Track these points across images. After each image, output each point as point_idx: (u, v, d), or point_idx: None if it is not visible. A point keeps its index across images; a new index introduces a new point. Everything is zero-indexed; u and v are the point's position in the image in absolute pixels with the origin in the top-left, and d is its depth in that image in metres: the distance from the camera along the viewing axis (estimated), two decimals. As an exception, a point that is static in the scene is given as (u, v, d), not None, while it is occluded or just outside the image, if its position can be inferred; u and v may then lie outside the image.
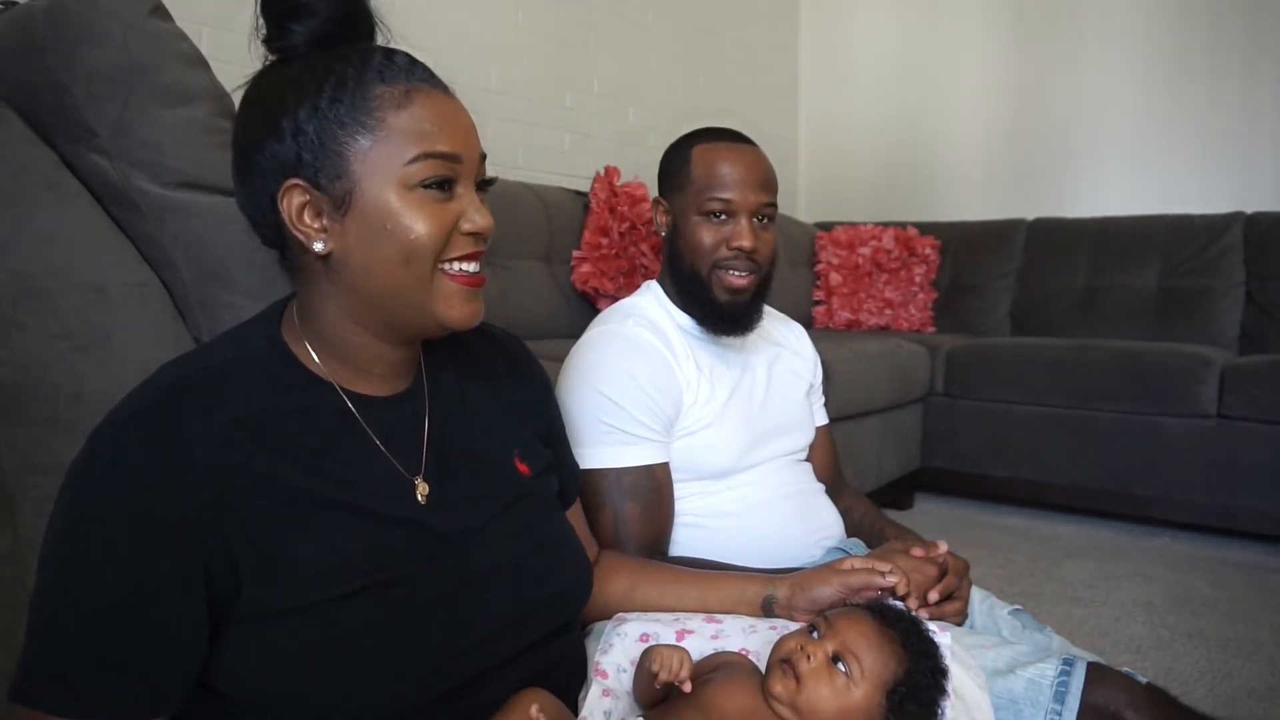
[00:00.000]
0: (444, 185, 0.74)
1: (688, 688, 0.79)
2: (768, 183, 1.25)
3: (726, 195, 1.22)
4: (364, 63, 0.73)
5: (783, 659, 0.81)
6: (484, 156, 0.79)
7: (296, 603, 0.68)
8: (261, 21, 0.75)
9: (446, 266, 0.75)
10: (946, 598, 1.07)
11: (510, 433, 0.90)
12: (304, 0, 0.73)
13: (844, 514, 1.37)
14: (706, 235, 1.24)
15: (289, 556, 0.69)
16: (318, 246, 0.73)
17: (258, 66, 0.78)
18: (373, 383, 0.80)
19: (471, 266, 0.77)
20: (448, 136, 0.73)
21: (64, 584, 0.65)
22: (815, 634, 0.83)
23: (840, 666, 0.80)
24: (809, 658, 0.79)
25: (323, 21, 0.74)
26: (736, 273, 1.23)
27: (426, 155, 0.72)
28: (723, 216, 1.23)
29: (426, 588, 0.75)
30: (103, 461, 0.67)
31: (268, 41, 0.76)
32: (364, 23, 0.78)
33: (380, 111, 0.72)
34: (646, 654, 0.82)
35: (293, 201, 0.73)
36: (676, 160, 1.30)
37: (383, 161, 0.72)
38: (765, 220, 1.25)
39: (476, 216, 0.76)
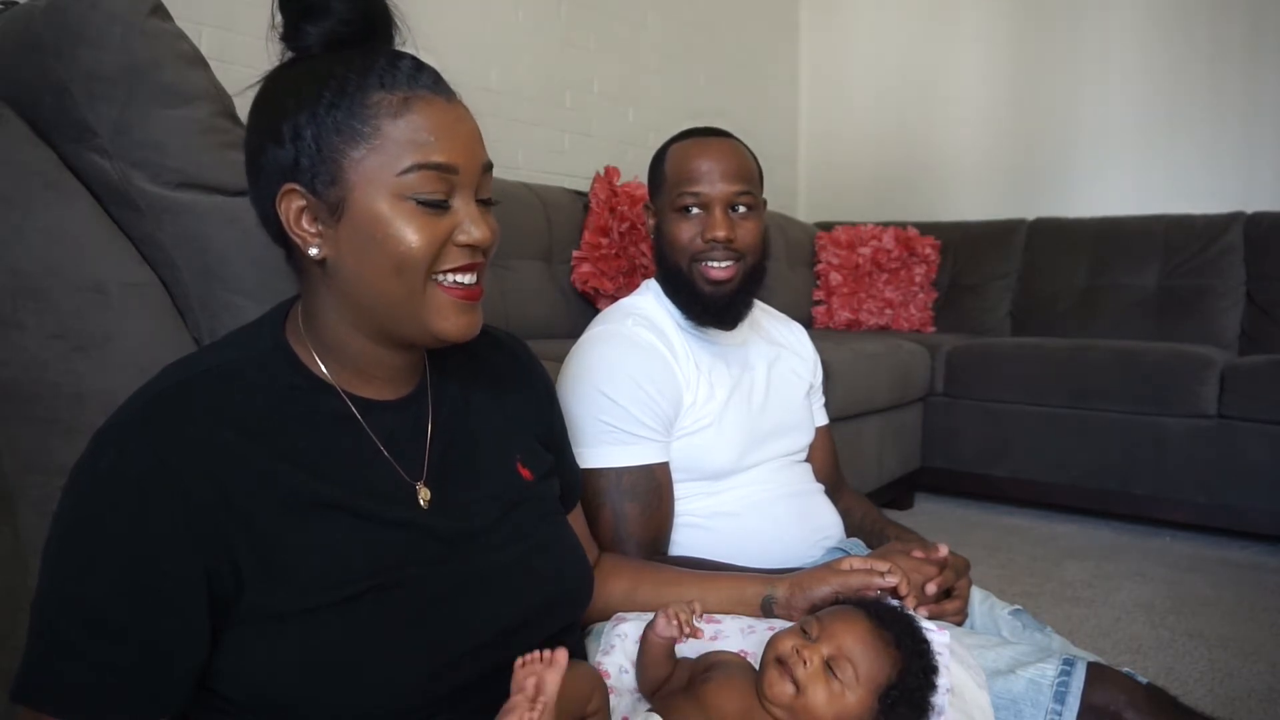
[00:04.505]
0: (438, 200, 0.72)
1: (700, 634, 0.82)
2: (739, 172, 1.24)
3: (696, 188, 1.23)
4: (366, 68, 0.72)
5: (777, 658, 0.81)
6: (489, 166, 0.77)
7: (298, 605, 0.68)
8: (280, 18, 0.75)
9: (440, 278, 0.74)
10: (945, 595, 1.07)
11: (513, 437, 0.90)
12: (318, 1, 0.73)
13: (844, 514, 1.37)
14: (682, 230, 1.24)
15: (291, 559, 0.69)
16: (313, 251, 0.73)
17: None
18: (375, 386, 0.80)
19: (467, 278, 0.75)
20: (445, 147, 0.72)
21: (66, 585, 0.65)
22: (809, 634, 0.82)
23: (835, 671, 0.79)
24: (805, 663, 0.79)
25: (337, 22, 0.73)
26: (715, 264, 1.23)
27: (421, 166, 0.71)
28: (696, 210, 1.24)
29: (428, 591, 0.75)
30: (106, 463, 0.66)
31: (284, 39, 0.75)
32: (381, 24, 0.77)
33: (377, 119, 0.70)
34: (652, 625, 0.83)
35: (290, 205, 0.72)
36: (655, 162, 1.32)
37: (376, 170, 0.70)
38: (743, 210, 1.25)
39: (473, 229, 0.74)
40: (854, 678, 0.79)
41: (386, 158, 0.70)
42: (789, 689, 0.79)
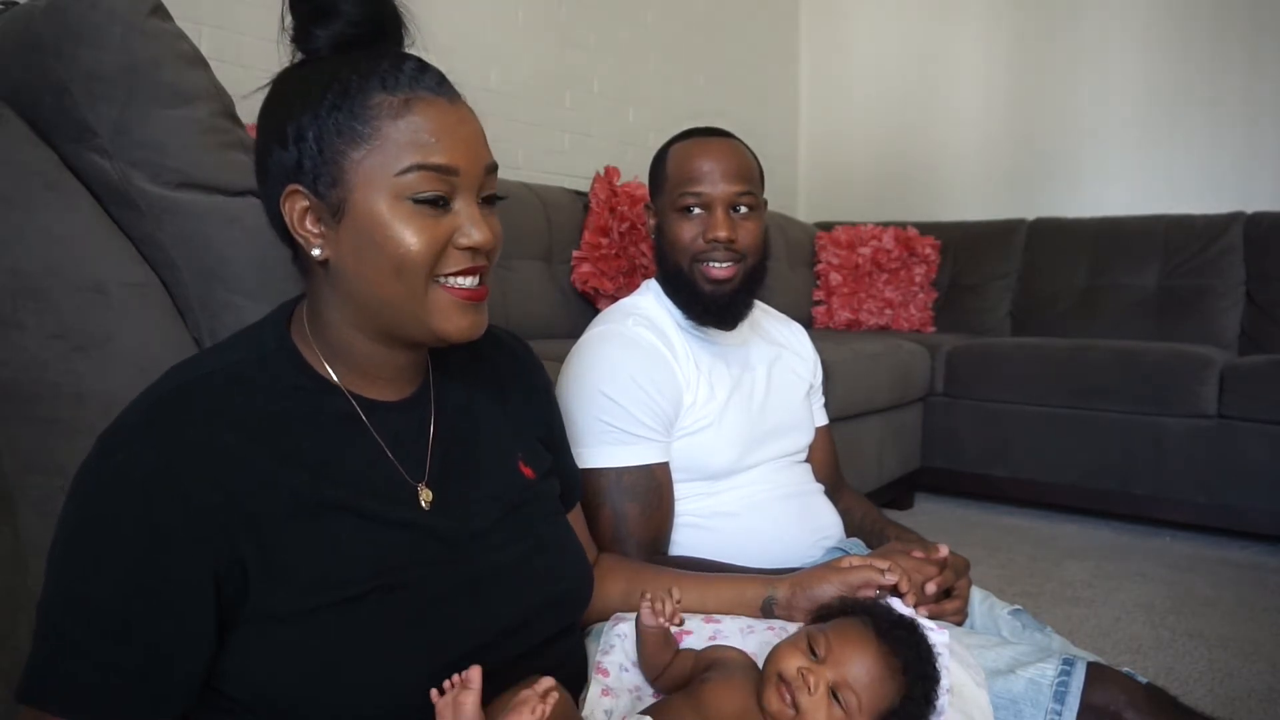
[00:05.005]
0: (438, 201, 0.72)
1: (680, 619, 0.84)
2: (740, 172, 1.24)
3: (698, 189, 1.23)
4: (369, 70, 0.72)
5: (780, 676, 0.79)
6: (493, 168, 0.76)
7: (303, 606, 0.68)
8: (290, 20, 0.75)
9: (442, 280, 0.74)
10: (945, 595, 1.07)
11: (514, 437, 0.90)
12: (326, 3, 0.73)
13: (844, 514, 1.37)
14: (684, 230, 1.24)
15: (295, 560, 0.69)
16: (315, 252, 0.74)
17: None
18: (378, 387, 0.80)
19: (469, 280, 0.74)
20: (445, 148, 0.71)
21: (72, 587, 0.65)
22: (816, 652, 0.80)
23: (839, 698, 0.78)
24: (810, 688, 0.77)
25: (346, 24, 0.74)
26: (716, 264, 1.23)
27: (420, 166, 0.70)
28: (698, 210, 1.24)
29: (431, 591, 0.75)
30: (111, 466, 0.67)
31: (294, 41, 0.76)
32: (391, 25, 0.77)
33: (378, 120, 0.71)
34: (640, 618, 0.84)
35: (295, 206, 0.73)
36: (656, 163, 1.32)
37: (376, 171, 0.70)
38: (744, 210, 1.25)
39: (474, 231, 0.73)
40: (857, 707, 0.78)
41: (386, 158, 0.70)
42: (789, 712, 0.78)
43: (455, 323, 0.75)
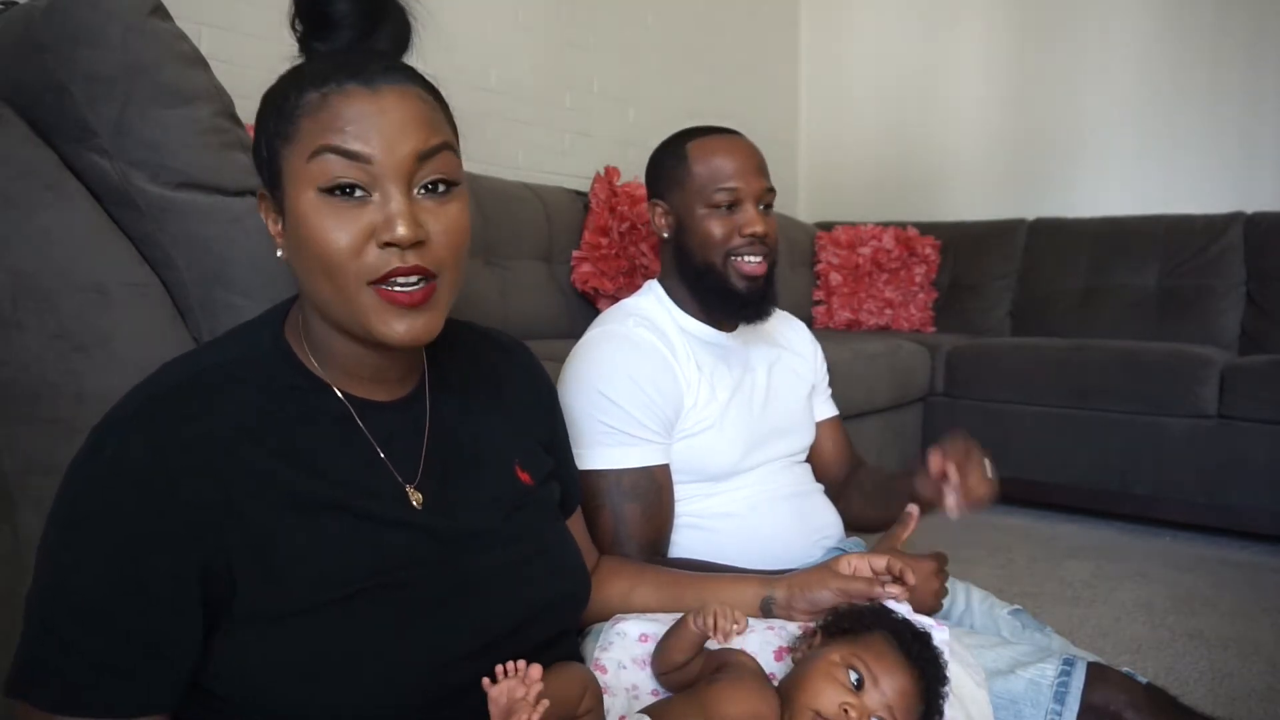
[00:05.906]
0: (349, 190, 0.68)
1: (724, 640, 0.81)
2: (764, 168, 1.27)
3: (732, 184, 1.23)
4: (308, 74, 0.71)
5: (817, 713, 0.78)
6: (431, 153, 0.70)
7: (295, 605, 0.68)
8: (298, 31, 0.76)
9: (376, 283, 0.70)
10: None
11: (512, 442, 0.90)
12: (327, 14, 0.73)
13: (856, 487, 1.40)
14: (716, 227, 1.24)
15: (288, 558, 0.69)
16: (279, 253, 0.75)
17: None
18: (368, 387, 0.80)
19: (402, 281, 0.69)
20: (355, 133, 0.68)
21: (60, 580, 0.65)
22: (854, 677, 0.80)
23: None
24: None
25: (346, 32, 0.74)
26: (751, 259, 1.24)
27: (325, 149, 0.67)
28: (729, 206, 1.24)
29: (425, 592, 0.75)
30: (103, 459, 0.67)
31: (302, 54, 0.76)
32: (393, 31, 0.76)
33: (302, 118, 0.69)
34: (695, 618, 0.81)
35: (266, 211, 0.76)
36: (671, 160, 1.29)
37: (296, 166, 0.69)
38: (766, 207, 1.27)
39: (397, 225, 0.67)
40: None
41: (301, 149, 0.69)
42: None
43: (391, 326, 0.70)
